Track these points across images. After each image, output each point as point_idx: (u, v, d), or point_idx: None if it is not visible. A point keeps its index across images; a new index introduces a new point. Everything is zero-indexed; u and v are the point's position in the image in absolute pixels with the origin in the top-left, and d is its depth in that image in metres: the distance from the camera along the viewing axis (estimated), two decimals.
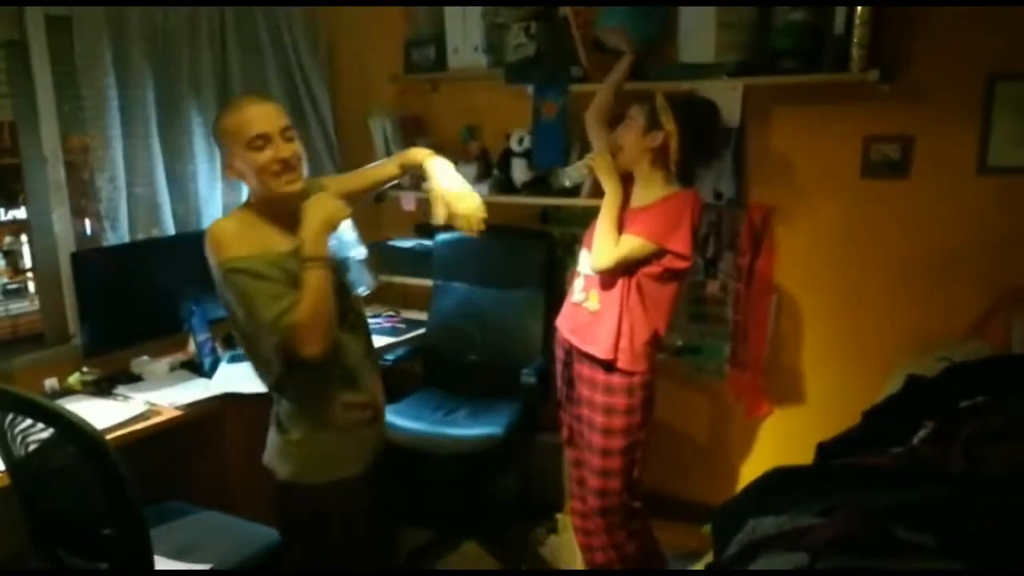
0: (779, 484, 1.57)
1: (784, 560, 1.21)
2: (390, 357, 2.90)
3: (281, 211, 1.67)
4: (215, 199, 2.89)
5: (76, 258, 2.48)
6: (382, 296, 3.53)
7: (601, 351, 2.20)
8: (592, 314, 2.25)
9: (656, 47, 2.68)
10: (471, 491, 2.98)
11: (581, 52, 2.72)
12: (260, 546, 2.02)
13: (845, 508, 1.27)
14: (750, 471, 2.03)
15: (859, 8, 2.27)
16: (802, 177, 2.64)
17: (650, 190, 2.23)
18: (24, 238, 3.58)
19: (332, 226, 1.63)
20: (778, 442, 2.82)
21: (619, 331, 2.19)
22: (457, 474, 2.93)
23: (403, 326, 3.19)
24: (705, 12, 2.50)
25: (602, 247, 2.18)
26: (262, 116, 1.63)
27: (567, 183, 2.36)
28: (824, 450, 1.84)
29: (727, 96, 2.53)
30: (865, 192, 2.55)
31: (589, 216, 2.43)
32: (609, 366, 2.20)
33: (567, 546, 2.83)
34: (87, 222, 2.67)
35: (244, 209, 1.71)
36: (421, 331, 3.14)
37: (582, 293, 2.30)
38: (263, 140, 1.61)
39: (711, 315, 2.86)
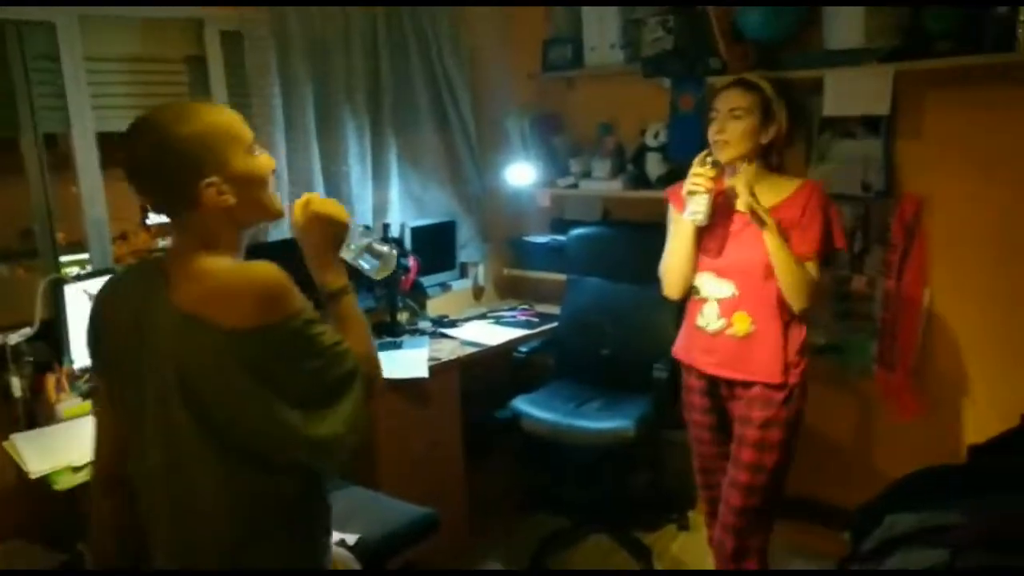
0: (924, 483, 1.51)
1: (923, 556, 1.17)
2: (524, 349, 2.99)
3: (240, 244, 1.32)
4: (366, 198, 3.06)
5: (249, 252, 2.70)
6: (517, 290, 3.64)
7: (770, 375, 2.04)
8: (742, 339, 2.07)
9: (795, 35, 2.62)
10: (602, 483, 3.01)
11: (720, 43, 2.68)
12: (405, 521, 2.16)
13: (992, 507, 1.21)
14: (895, 475, 1.93)
15: None
16: (960, 166, 2.48)
17: (768, 187, 2.07)
18: None
19: (340, 239, 1.36)
20: (927, 446, 2.65)
21: (785, 347, 2.04)
22: (588, 465, 2.97)
23: (537, 319, 3.27)
24: None
25: (797, 285, 1.98)
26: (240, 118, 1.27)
27: (696, 218, 2.05)
28: (976, 453, 1.74)
29: (874, 83, 2.42)
30: None
31: None
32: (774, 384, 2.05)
33: (699, 544, 2.81)
34: None
35: (219, 252, 1.25)
36: (554, 324, 3.20)
37: (720, 320, 2.10)
38: (256, 145, 1.28)
39: (856, 312, 2.74)
